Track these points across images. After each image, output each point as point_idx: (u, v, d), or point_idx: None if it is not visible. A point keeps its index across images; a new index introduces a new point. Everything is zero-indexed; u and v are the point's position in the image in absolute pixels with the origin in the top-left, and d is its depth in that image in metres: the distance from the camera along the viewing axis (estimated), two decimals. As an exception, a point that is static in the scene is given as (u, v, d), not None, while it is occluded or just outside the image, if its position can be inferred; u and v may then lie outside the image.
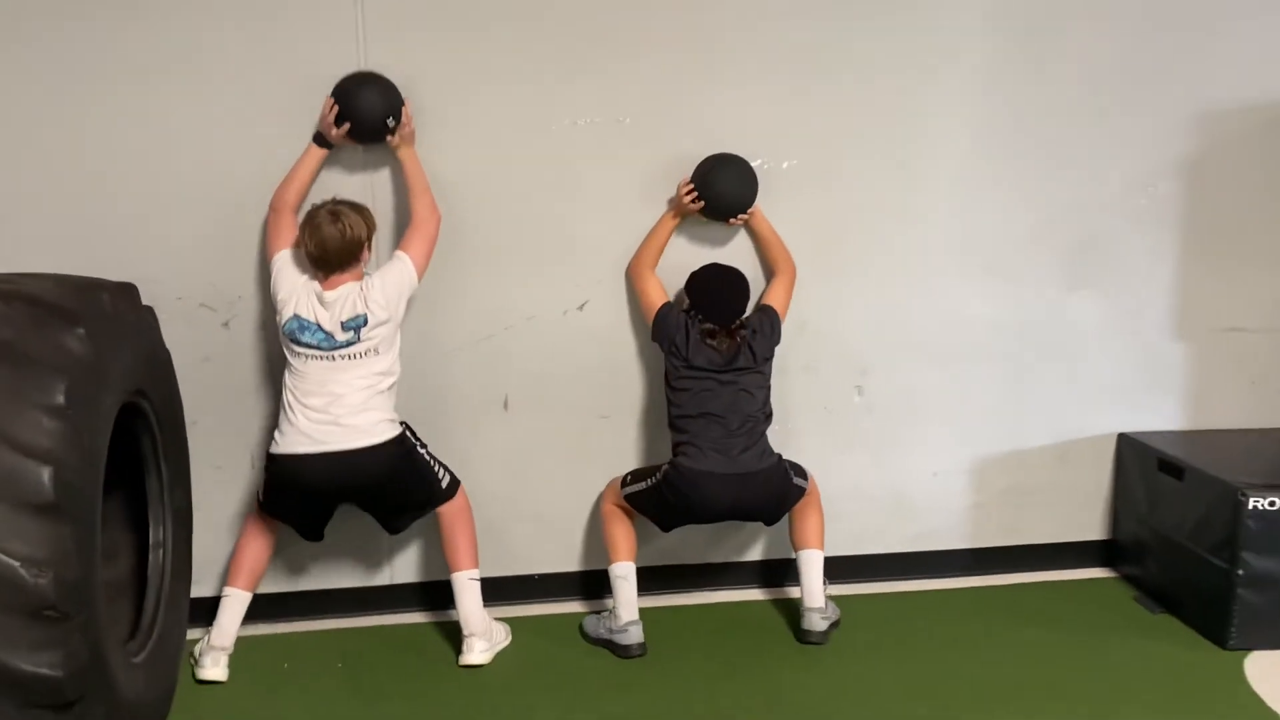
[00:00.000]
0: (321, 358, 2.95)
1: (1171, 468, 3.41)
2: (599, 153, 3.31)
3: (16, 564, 2.12)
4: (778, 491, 3.20)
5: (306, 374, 2.96)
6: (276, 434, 3.00)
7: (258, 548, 3.13)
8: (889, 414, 3.59)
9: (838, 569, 3.53)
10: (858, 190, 3.45)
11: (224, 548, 3.30)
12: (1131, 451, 3.63)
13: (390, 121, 3.05)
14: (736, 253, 3.40)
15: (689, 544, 3.55)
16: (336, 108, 3.03)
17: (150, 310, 2.93)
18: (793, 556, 3.32)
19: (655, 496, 3.19)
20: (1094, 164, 3.54)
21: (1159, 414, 3.72)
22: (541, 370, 3.41)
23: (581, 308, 3.40)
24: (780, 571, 3.57)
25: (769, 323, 3.24)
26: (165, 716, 2.80)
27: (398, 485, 3.06)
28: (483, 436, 3.42)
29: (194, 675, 3.05)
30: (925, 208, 3.49)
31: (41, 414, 2.20)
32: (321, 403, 2.94)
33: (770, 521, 3.29)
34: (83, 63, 3.07)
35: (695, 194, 3.23)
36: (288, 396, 2.98)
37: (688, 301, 3.25)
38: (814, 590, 3.24)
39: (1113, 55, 3.47)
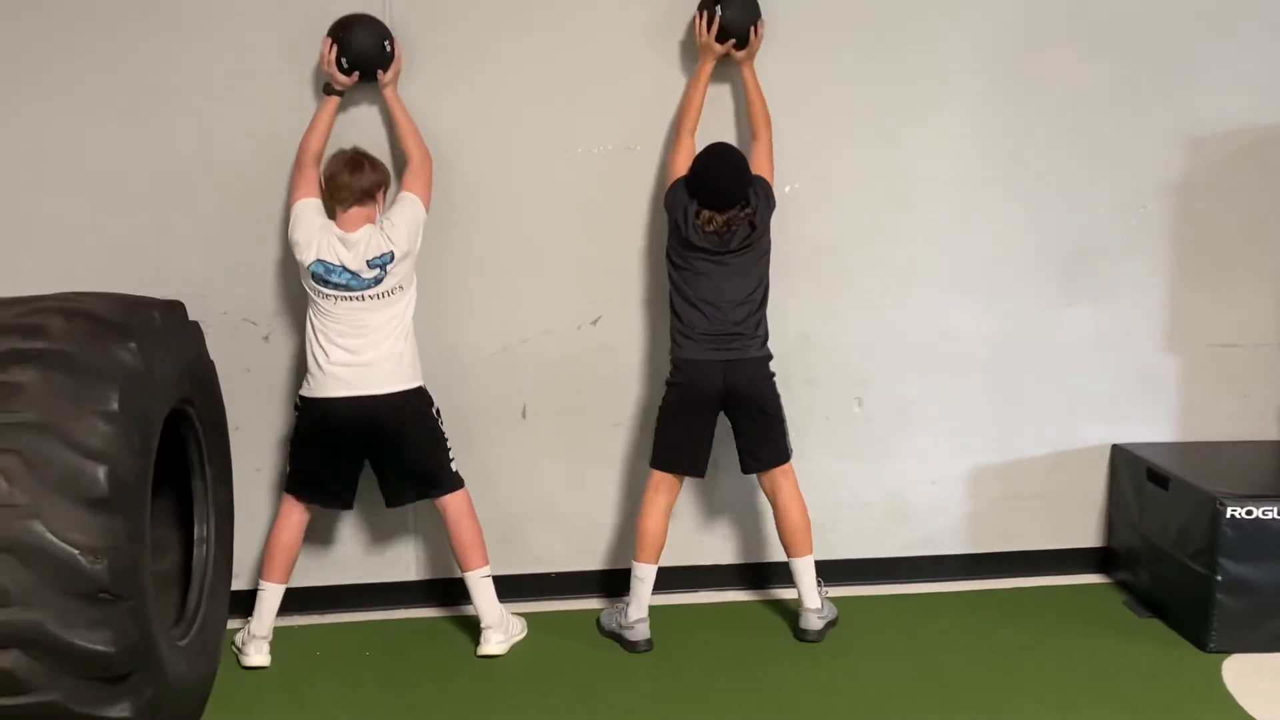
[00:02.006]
0: (351, 298, 3.13)
1: (1158, 477, 3.54)
2: (612, 178, 3.53)
3: (76, 552, 2.38)
4: (763, 385, 3.30)
5: (338, 315, 3.14)
6: (308, 378, 3.19)
7: (289, 537, 3.31)
8: (888, 424, 3.76)
9: (838, 572, 3.70)
10: (857, 212, 3.63)
11: (264, 544, 3.55)
12: (1124, 462, 3.77)
13: (386, 45, 3.24)
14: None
15: (695, 546, 3.75)
16: (335, 47, 3.21)
17: (196, 325, 3.19)
18: (788, 564, 3.47)
19: (666, 415, 3.31)
20: (1086, 185, 3.69)
21: (1154, 426, 3.84)
22: (557, 381, 3.63)
23: (595, 322, 3.62)
24: (780, 573, 3.72)
25: (763, 192, 3.30)
26: (207, 695, 3.05)
27: (412, 436, 3.23)
28: (502, 443, 3.64)
29: (239, 663, 3.29)
30: (922, 228, 3.66)
31: (98, 418, 2.46)
32: (356, 344, 3.13)
33: (751, 433, 3.33)
34: (135, 96, 3.34)
35: (708, 17, 3.30)
36: (317, 339, 3.16)
37: (689, 181, 3.27)
38: (809, 592, 3.42)
39: (1101, 82, 3.63)
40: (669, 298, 3.32)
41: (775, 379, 3.35)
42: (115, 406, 2.50)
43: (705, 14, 3.34)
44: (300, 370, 3.45)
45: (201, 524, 3.20)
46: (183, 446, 3.12)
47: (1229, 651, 3.29)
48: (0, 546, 2.34)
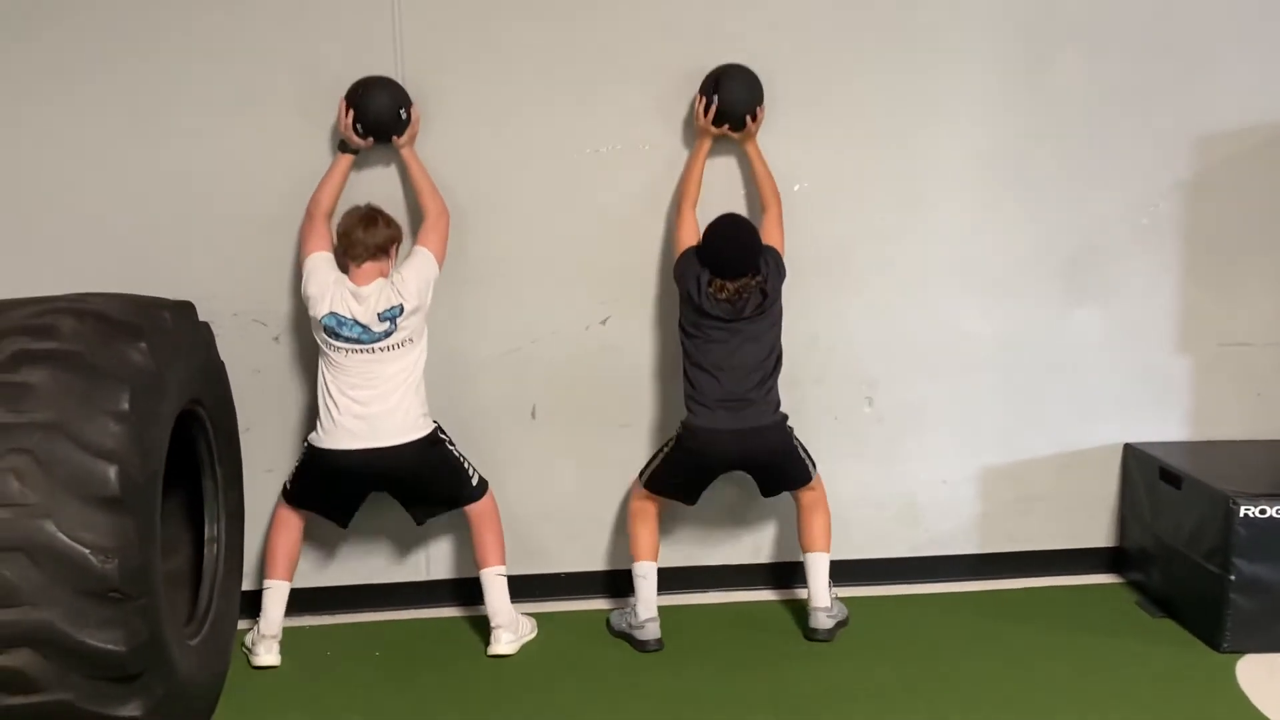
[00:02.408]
0: (361, 351, 3.18)
1: (1171, 476, 3.52)
2: (620, 178, 3.53)
3: (86, 551, 2.39)
4: (780, 448, 3.33)
5: (348, 368, 3.19)
6: (318, 427, 3.22)
7: (289, 538, 3.35)
8: (898, 424, 3.75)
9: (847, 572, 3.69)
10: (866, 211, 3.63)
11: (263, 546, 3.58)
12: (1136, 461, 3.75)
13: (403, 113, 3.29)
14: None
15: (706, 547, 3.75)
16: (352, 110, 3.27)
17: (206, 326, 3.20)
18: (802, 559, 3.49)
19: (670, 465, 3.36)
20: (1096, 185, 3.67)
21: (1166, 426, 3.82)
22: (566, 381, 3.63)
23: (604, 322, 3.62)
24: (791, 574, 3.74)
25: (774, 262, 3.34)
26: (218, 695, 3.06)
27: (429, 478, 3.30)
28: (512, 443, 3.64)
29: (249, 663, 3.30)
30: (931, 227, 3.65)
31: (108, 418, 2.47)
32: (365, 395, 3.17)
33: (770, 485, 3.41)
34: (146, 98, 3.36)
35: (706, 102, 3.36)
36: (329, 390, 3.20)
37: (700, 252, 3.31)
38: (820, 590, 3.41)
39: (1112, 81, 3.61)
40: (681, 366, 3.35)
41: (793, 432, 3.38)
42: (126, 406, 2.51)
43: (704, 98, 3.38)
44: (311, 372, 3.46)
45: (212, 524, 3.22)
46: (193, 447, 3.13)
47: (1242, 652, 3.27)
48: (11, 545, 2.35)
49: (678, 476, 3.39)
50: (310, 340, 3.47)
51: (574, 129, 3.50)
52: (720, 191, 3.52)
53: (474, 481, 3.38)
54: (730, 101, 3.36)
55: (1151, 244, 3.72)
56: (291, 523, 3.37)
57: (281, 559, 3.35)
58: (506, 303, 3.57)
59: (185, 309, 3.04)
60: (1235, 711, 2.98)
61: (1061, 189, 3.66)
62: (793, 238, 3.53)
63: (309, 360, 3.50)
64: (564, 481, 3.69)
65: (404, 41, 3.40)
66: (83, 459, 2.41)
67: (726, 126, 3.39)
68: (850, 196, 3.61)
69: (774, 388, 3.33)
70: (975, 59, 3.58)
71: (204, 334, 3.17)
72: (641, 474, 3.47)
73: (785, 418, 3.35)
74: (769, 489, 3.45)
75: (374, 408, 3.18)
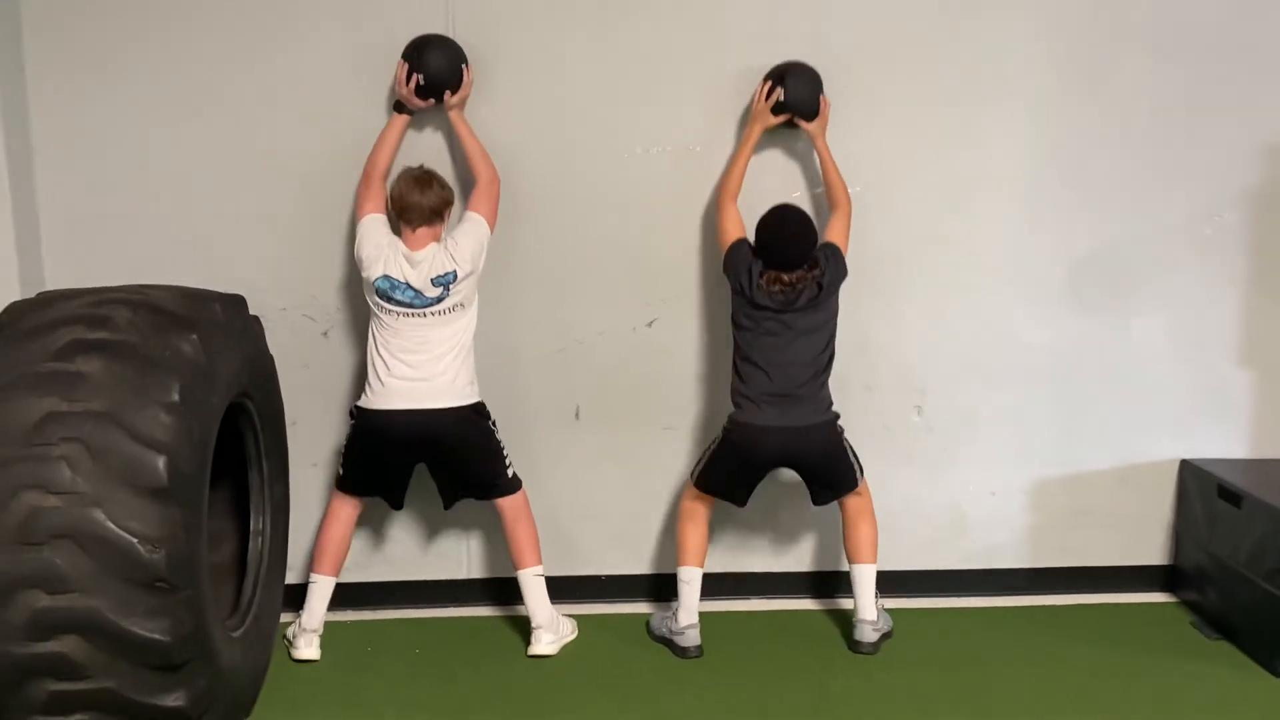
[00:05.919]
0: (413, 315, 3.17)
1: (1231, 495, 3.43)
2: (670, 179, 3.51)
3: (134, 540, 2.41)
4: (828, 448, 3.27)
5: (400, 331, 3.18)
6: (367, 389, 3.22)
7: (339, 532, 3.35)
8: (948, 433, 3.68)
9: (894, 583, 3.63)
10: (920, 216, 3.57)
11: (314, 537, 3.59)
12: (1193, 478, 3.65)
13: (463, 67, 3.27)
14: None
15: (749, 553, 3.71)
16: (411, 69, 3.24)
17: (256, 319, 3.22)
18: (848, 570, 3.44)
19: (717, 462, 3.32)
20: (1158, 193, 3.58)
21: (1224, 441, 3.72)
22: (611, 383, 3.61)
23: (650, 325, 3.59)
24: (836, 583, 3.70)
25: (834, 258, 3.28)
26: (260, 687, 3.07)
27: (469, 452, 3.27)
28: (555, 443, 3.63)
29: (290, 655, 3.32)
30: (987, 233, 3.59)
31: (159, 409, 2.49)
32: (417, 360, 3.17)
33: (819, 489, 3.34)
34: (201, 95, 3.39)
35: (771, 87, 3.32)
36: (379, 352, 3.20)
37: (755, 243, 3.28)
38: (866, 602, 3.36)
39: (1177, 87, 3.52)
40: (732, 361, 3.31)
41: (844, 432, 3.33)
42: (176, 397, 2.53)
43: (766, 85, 3.34)
44: (358, 368, 3.47)
45: (257, 516, 3.24)
46: (241, 439, 3.15)
47: (1303, 677, 3.18)
48: (61, 533, 2.38)
49: (725, 474, 3.33)
50: (358, 336, 3.49)
51: (623, 130, 3.48)
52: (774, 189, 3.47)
53: (509, 473, 3.35)
54: (796, 96, 3.31)
55: (1214, 254, 3.62)
56: (342, 515, 3.36)
57: (329, 554, 3.35)
58: (553, 303, 3.56)
59: (236, 302, 3.06)
60: (1294, 739, 2.90)
61: (1122, 195, 3.58)
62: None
63: (357, 356, 3.51)
64: (607, 483, 3.67)
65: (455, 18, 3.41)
66: (133, 449, 2.43)
67: (788, 116, 3.34)
68: (905, 200, 3.56)
69: (825, 385, 3.28)
70: (1035, 61, 3.50)
71: (254, 327, 3.18)
72: (692, 472, 3.44)
73: (836, 417, 3.30)
74: (819, 495, 3.38)
75: (424, 370, 3.17)
